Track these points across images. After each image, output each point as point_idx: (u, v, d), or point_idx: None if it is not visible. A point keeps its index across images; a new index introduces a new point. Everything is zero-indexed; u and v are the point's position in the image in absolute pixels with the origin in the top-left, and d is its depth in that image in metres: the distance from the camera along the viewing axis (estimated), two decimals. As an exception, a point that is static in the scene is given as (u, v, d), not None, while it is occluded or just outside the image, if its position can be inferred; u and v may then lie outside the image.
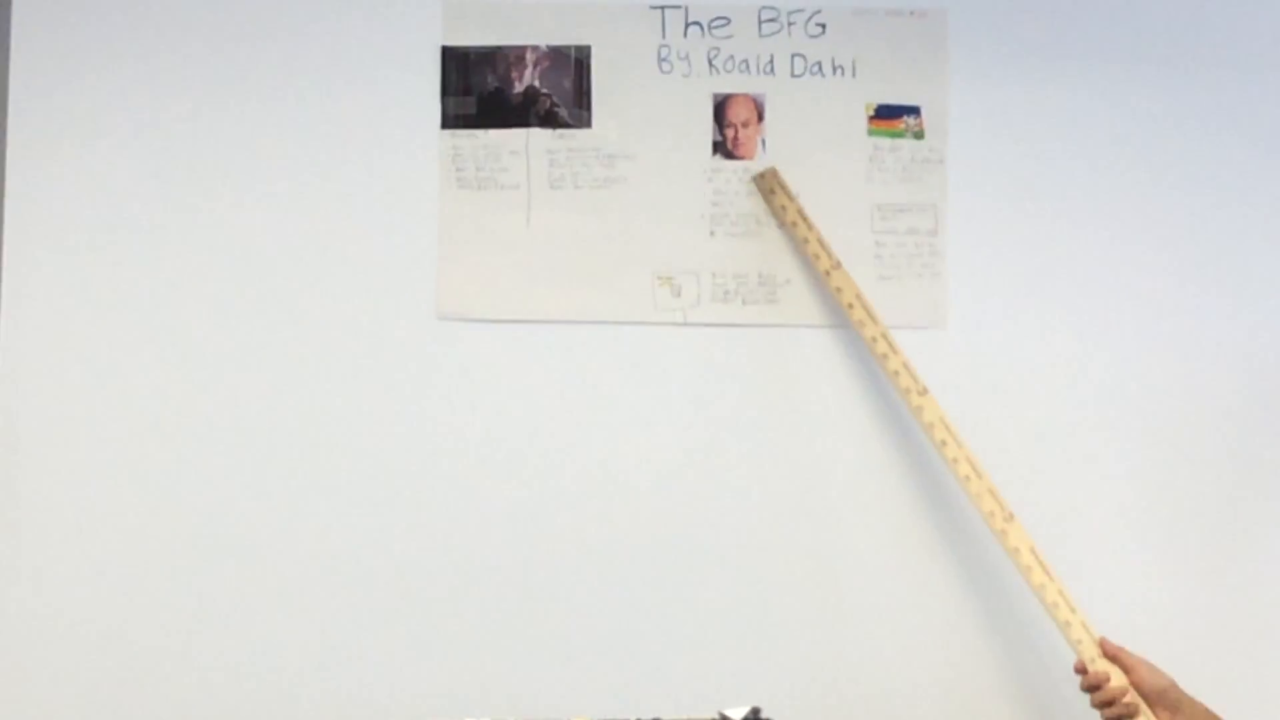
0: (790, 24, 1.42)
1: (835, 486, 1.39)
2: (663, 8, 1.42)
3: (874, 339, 1.33)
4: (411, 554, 1.39)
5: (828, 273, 1.35)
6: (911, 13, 1.42)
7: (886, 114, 1.42)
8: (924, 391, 1.30)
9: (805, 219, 1.37)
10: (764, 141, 1.42)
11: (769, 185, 1.39)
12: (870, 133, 1.42)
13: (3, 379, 1.39)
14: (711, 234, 1.41)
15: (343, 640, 1.38)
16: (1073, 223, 1.41)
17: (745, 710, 1.23)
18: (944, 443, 1.29)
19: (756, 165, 1.41)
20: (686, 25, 1.42)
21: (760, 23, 1.42)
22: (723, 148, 1.42)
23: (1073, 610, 1.23)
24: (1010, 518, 1.26)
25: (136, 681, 1.37)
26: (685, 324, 1.41)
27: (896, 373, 1.31)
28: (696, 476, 1.40)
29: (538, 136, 1.41)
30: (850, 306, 1.34)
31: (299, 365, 1.40)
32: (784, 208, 1.38)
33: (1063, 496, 1.39)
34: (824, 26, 1.42)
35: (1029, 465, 1.39)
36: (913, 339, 1.39)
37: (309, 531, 1.38)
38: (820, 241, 1.36)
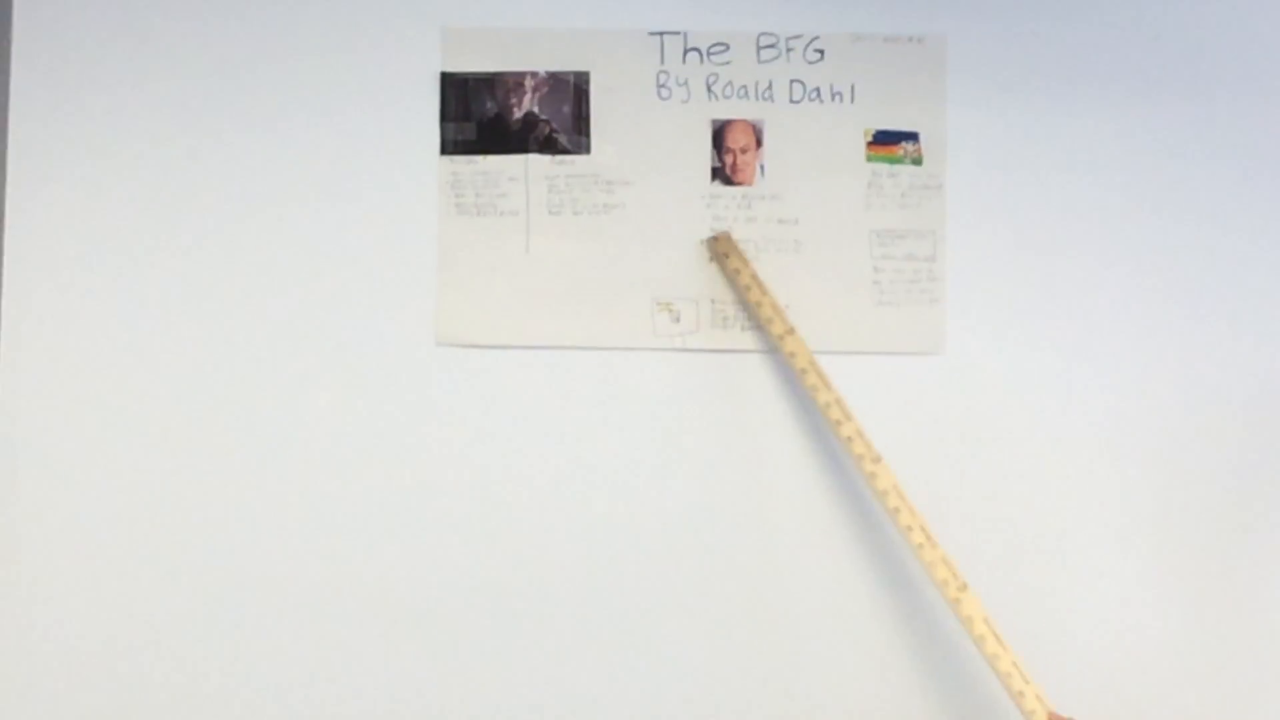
0: (789, 50, 1.42)
1: (833, 510, 1.40)
2: (661, 34, 1.42)
3: (827, 404, 1.33)
4: (409, 577, 1.39)
5: (781, 337, 1.36)
6: (910, 39, 1.42)
7: (885, 140, 1.42)
8: (877, 459, 1.31)
9: (759, 283, 1.37)
10: (762, 167, 1.42)
11: (723, 249, 1.39)
12: (868, 158, 1.42)
13: (2, 394, 1.40)
14: (711, 260, 1.41)
15: (335, 665, 1.38)
16: (1071, 249, 1.42)
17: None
18: (897, 510, 1.30)
19: (755, 191, 1.41)
20: (685, 51, 1.42)
21: (759, 49, 1.42)
22: (721, 173, 1.42)
23: (1026, 681, 1.24)
24: (963, 587, 1.27)
25: (133, 695, 1.38)
26: (684, 350, 1.41)
27: (850, 439, 1.32)
28: (695, 500, 1.40)
29: (537, 162, 1.42)
30: (803, 372, 1.34)
31: (298, 390, 1.40)
32: (738, 271, 1.38)
33: (1061, 522, 1.40)
34: (822, 52, 1.42)
35: (1027, 491, 1.40)
36: (910, 365, 1.40)
37: (306, 555, 1.39)
38: (774, 306, 1.36)
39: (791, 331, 1.36)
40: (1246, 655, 1.40)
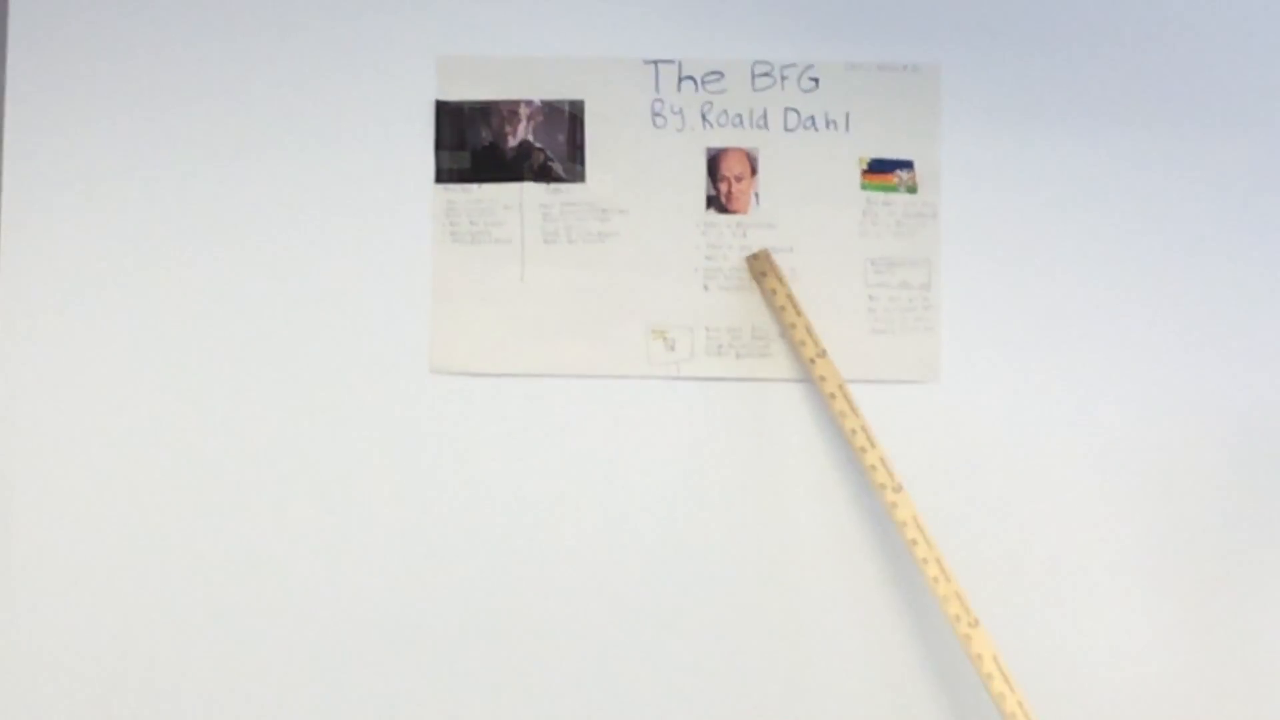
0: (784, 78, 1.42)
1: (828, 540, 1.39)
2: (656, 62, 1.42)
3: (854, 431, 1.33)
4: (402, 605, 1.38)
5: (812, 360, 1.35)
6: (904, 67, 1.42)
7: (879, 168, 1.42)
8: (899, 489, 1.31)
9: (794, 304, 1.37)
10: (757, 195, 1.42)
11: (760, 267, 1.39)
12: (863, 186, 1.42)
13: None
14: (705, 288, 1.41)
15: (327, 694, 1.38)
16: (1066, 277, 1.41)
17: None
18: (915, 542, 1.29)
19: (750, 220, 1.41)
20: (680, 80, 1.42)
21: (754, 77, 1.42)
22: (716, 202, 1.42)
23: None
24: (975, 623, 1.27)
25: (127, 706, 1.37)
26: (679, 378, 1.41)
27: (873, 467, 1.32)
28: (690, 529, 1.39)
29: (531, 191, 1.42)
30: (832, 397, 1.34)
31: (291, 417, 1.40)
32: (774, 291, 1.38)
33: (1058, 549, 1.39)
34: (817, 81, 1.42)
35: (1023, 518, 1.40)
36: (905, 393, 1.40)
37: (299, 582, 1.38)
38: (808, 329, 1.36)
39: (823, 354, 1.35)
40: (1252, 686, 1.39)
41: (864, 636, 1.38)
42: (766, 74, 1.42)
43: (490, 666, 1.38)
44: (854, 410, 1.33)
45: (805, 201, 1.42)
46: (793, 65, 1.42)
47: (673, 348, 1.41)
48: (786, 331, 1.37)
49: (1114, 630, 1.39)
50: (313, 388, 1.40)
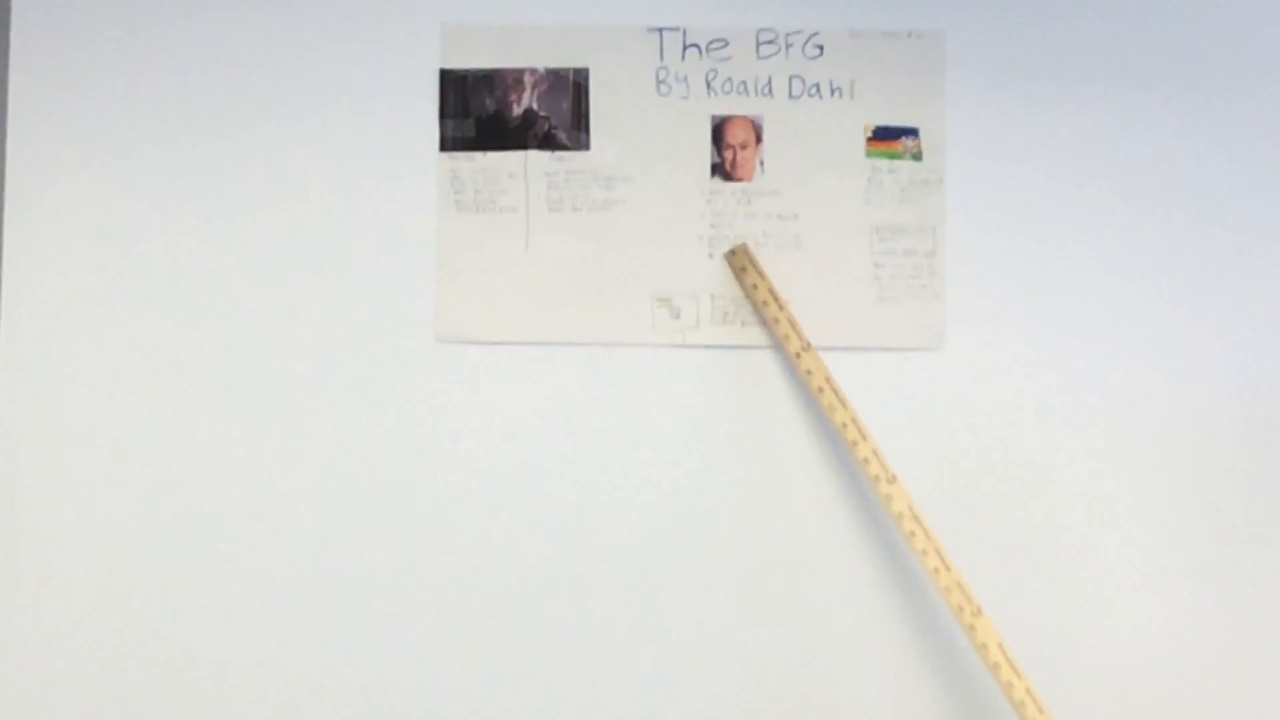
0: (788, 46, 1.42)
1: (834, 508, 1.39)
2: (660, 30, 1.42)
3: (844, 424, 1.32)
4: (409, 574, 1.39)
5: (798, 354, 1.35)
6: (909, 34, 1.42)
7: (884, 135, 1.42)
8: (893, 480, 1.30)
9: (776, 298, 1.36)
10: (762, 163, 1.42)
11: (740, 263, 1.39)
12: (868, 154, 1.42)
13: (5, 388, 1.39)
14: (710, 256, 1.41)
15: (336, 661, 1.38)
16: (1072, 244, 1.41)
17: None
18: (913, 534, 1.28)
19: (754, 187, 1.41)
20: (684, 47, 1.42)
21: (758, 44, 1.42)
22: (721, 169, 1.42)
23: (1040, 710, 1.23)
24: (978, 612, 1.26)
25: (140, 690, 1.37)
26: (684, 345, 1.41)
27: (866, 460, 1.31)
28: (695, 497, 1.40)
29: (536, 159, 1.42)
30: (820, 391, 1.33)
31: (296, 387, 1.40)
32: (755, 286, 1.37)
33: (1062, 518, 1.39)
34: (821, 48, 1.42)
35: (1028, 487, 1.40)
36: (910, 361, 1.40)
37: (305, 552, 1.39)
38: (791, 322, 1.35)
39: (808, 348, 1.35)
40: (1264, 664, 1.38)
41: (869, 606, 1.38)
42: (771, 41, 1.42)
43: (494, 635, 1.38)
44: (843, 403, 1.33)
45: (810, 169, 1.42)
46: (797, 32, 1.42)
47: (678, 316, 1.41)
48: (770, 327, 1.37)
49: (1122, 601, 1.39)
50: (318, 357, 1.40)
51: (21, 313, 1.41)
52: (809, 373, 1.35)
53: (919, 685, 1.38)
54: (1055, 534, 1.39)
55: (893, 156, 1.42)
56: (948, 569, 1.27)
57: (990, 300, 1.41)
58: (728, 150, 1.42)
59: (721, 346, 1.40)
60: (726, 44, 1.42)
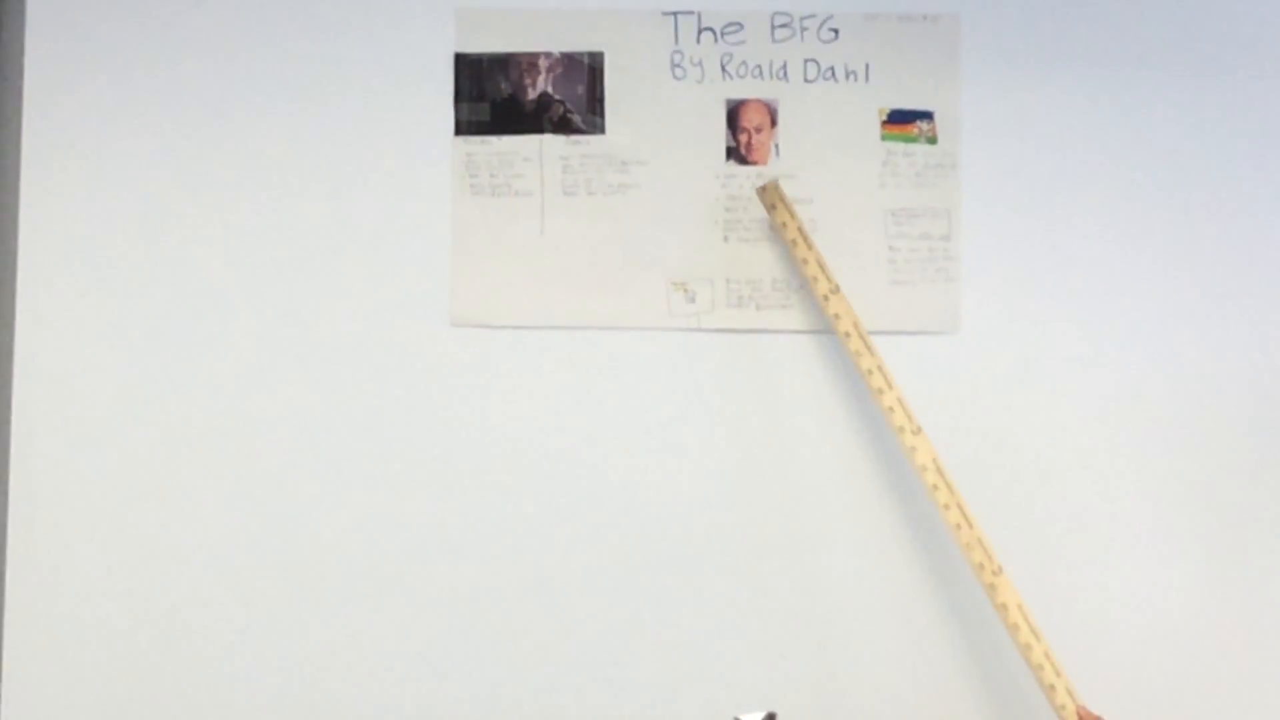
0: (803, 29, 1.42)
1: (848, 491, 1.40)
2: (675, 14, 1.42)
3: (870, 371, 1.31)
4: (425, 558, 1.39)
5: (825, 297, 1.34)
6: (924, 17, 1.42)
7: (899, 119, 1.42)
8: (918, 431, 1.30)
9: (805, 238, 1.36)
10: (777, 147, 1.42)
11: (770, 200, 1.38)
12: (883, 138, 1.42)
13: (19, 391, 1.40)
14: (725, 239, 1.41)
15: (351, 646, 1.38)
16: (1086, 228, 1.41)
17: (761, 715, 1.23)
18: (935, 487, 1.28)
19: (770, 171, 1.41)
20: (699, 31, 1.42)
21: (773, 28, 1.42)
22: (736, 153, 1.42)
23: (1058, 674, 1.23)
24: (999, 571, 1.25)
25: (151, 691, 1.38)
26: (699, 329, 1.41)
27: (891, 409, 1.30)
28: (711, 481, 1.40)
29: (551, 143, 1.42)
30: (846, 335, 1.33)
31: (313, 372, 1.40)
32: (784, 225, 1.37)
33: (1075, 502, 1.39)
34: (836, 32, 1.42)
35: (1043, 469, 1.40)
36: (925, 344, 1.40)
37: (322, 537, 1.39)
38: (819, 263, 1.35)
39: (836, 290, 1.34)
40: (1271, 641, 1.39)
41: (885, 587, 1.39)
42: (786, 25, 1.42)
43: (510, 622, 1.38)
44: (870, 349, 1.32)
45: (825, 153, 1.42)
46: (812, 16, 1.42)
47: (693, 299, 1.41)
48: (799, 266, 1.36)
49: (1137, 580, 1.39)
50: (334, 342, 1.40)
51: (38, 304, 1.40)
52: (836, 316, 1.34)
53: (937, 673, 1.38)
54: (1068, 517, 1.39)
55: (908, 140, 1.42)
56: (970, 525, 1.27)
57: (1005, 284, 1.41)
58: (743, 134, 1.42)
59: (736, 330, 1.40)
60: (741, 28, 1.42)
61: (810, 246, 1.35)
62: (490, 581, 1.39)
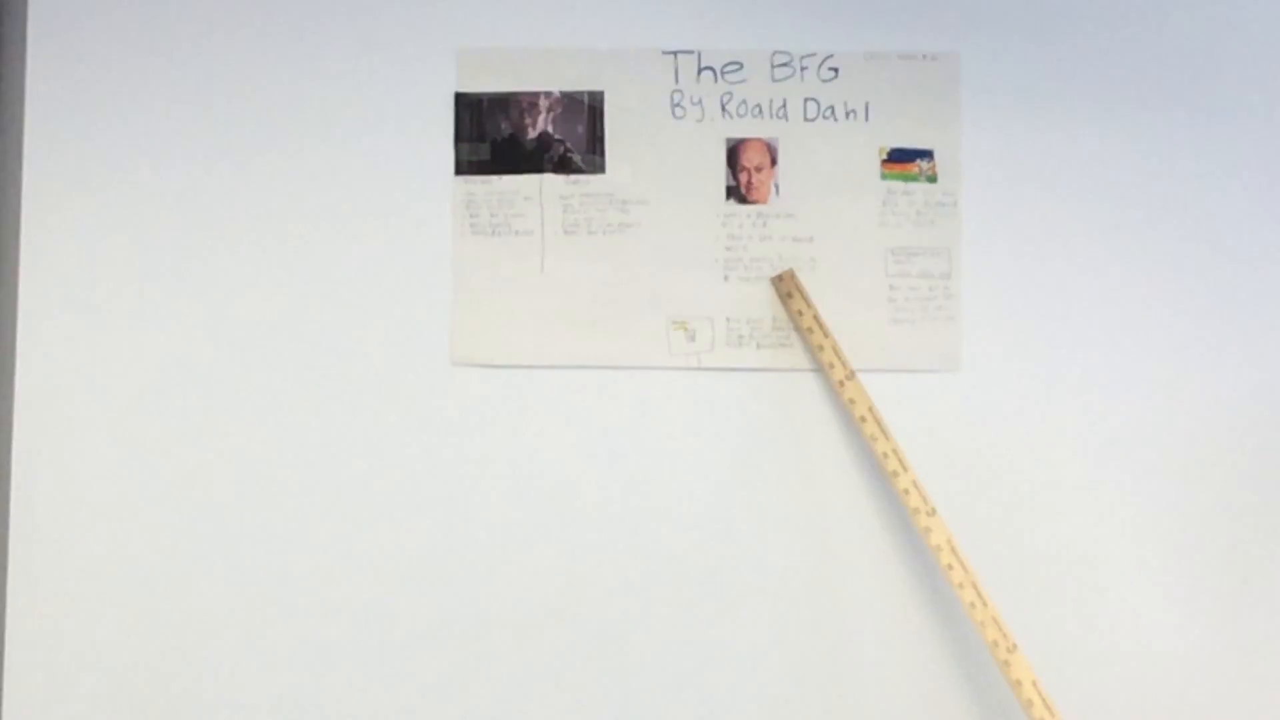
0: (803, 68, 1.42)
1: (850, 531, 1.39)
2: (675, 53, 1.42)
3: (885, 455, 1.32)
4: (425, 597, 1.39)
5: (841, 383, 1.35)
6: (924, 56, 1.42)
7: (899, 158, 1.42)
8: (932, 512, 1.31)
9: (821, 325, 1.36)
10: (777, 186, 1.42)
11: (786, 289, 1.39)
12: (883, 176, 1.42)
13: (20, 392, 1.40)
14: (725, 278, 1.41)
15: (352, 690, 1.38)
16: (1086, 265, 1.41)
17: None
18: (950, 567, 1.29)
19: (770, 210, 1.41)
20: (699, 70, 1.42)
21: (773, 67, 1.42)
22: (736, 192, 1.42)
23: None
24: (1013, 648, 1.26)
25: (151, 691, 1.38)
26: (699, 368, 1.41)
27: (906, 491, 1.31)
28: (711, 520, 1.40)
29: (551, 182, 1.42)
30: (863, 420, 1.34)
31: (312, 410, 1.40)
32: (800, 313, 1.38)
33: (1079, 542, 1.39)
34: (836, 70, 1.42)
35: (1045, 508, 1.39)
36: (926, 383, 1.40)
37: (322, 575, 1.39)
38: (835, 350, 1.35)
39: (852, 376, 1.35)
40: (1276, 674, 1.39)
41: (894, 629, 1.38)
42: (786, 64, 1.42)
43: (512, 656, 1.38)
44: (885, 434, 1.33)
45: (825, 191, 1.42)
46: (812, 55, 1.42)
47: (693, 338, 1.41)
48: (815, 354, 1.37)
49: (1140, 623, 1.39)
50: (334, 381, 1.40)
51: (39, 330, 1.41)
52: (851, 401, 1.35)
53: (948, 713, 1.38)
54: (1072, 556, 1.39)
55: (908, 179, 1.42)
56: (984, 604, 1.27)
57: (1006, 322, 1.41)
58: (743, 173, 1.42)
59: (737, 369, 1.40)
60: (741, 67, 1.42)
61: (827, 334, 1.36)
62: (492, 619, 1.39)
